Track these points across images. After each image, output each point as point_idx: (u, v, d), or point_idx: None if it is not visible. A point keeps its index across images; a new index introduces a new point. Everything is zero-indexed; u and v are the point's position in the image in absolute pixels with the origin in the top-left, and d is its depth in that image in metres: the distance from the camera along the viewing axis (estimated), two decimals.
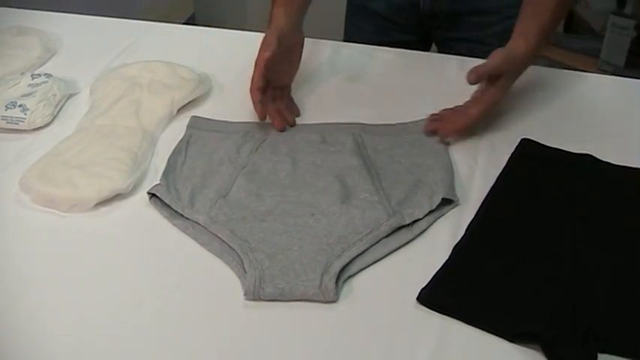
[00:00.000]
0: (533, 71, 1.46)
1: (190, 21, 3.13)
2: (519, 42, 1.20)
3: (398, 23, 1.60)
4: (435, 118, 1.23)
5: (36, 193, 1.10)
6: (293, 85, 1.37)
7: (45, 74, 1.37)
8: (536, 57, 1.24)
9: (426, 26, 1.59)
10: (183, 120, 1.27)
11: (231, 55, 1.43)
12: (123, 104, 1.29)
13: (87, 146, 1.18)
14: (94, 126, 1.24)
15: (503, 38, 1.24)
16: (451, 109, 1.24)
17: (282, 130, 1.23)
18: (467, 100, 1.24)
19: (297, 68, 1.34)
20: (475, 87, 1.21)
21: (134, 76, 1.37)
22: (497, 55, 1.19)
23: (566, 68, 1.54)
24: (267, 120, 1.24)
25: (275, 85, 1.29)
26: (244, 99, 1.33)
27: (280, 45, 1.23)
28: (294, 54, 1.32)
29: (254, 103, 1.22)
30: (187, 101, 1.33)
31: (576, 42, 2.71)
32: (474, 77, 1.17)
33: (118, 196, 1.11)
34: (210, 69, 1.42)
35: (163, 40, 1.57)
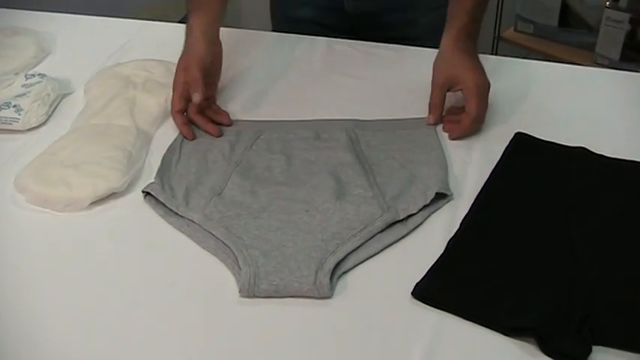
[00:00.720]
0: (528, 66, 1.47)
1: (185, 20, 3.13)
2: (445, 40, 1.25)
3: (328, 25, 1.58)
4: (450, 120, 1.24)
5: (31, 193, 1.11)
6: (286, 83, 1.38)
7: (39, 74, 1.37)
8: (470, 33, 1.27)
9: (355, 27, 1.58)
10: None
11: (224, 53, 1.43)
12: (117, 103, 1.29)
13: (81, 145, 1.18)
14: (88, 125, 1.24)
15: (433, 32, 1.29)
16: (430, 111, 1.24)
17: (219, 136, 1.22)
18: (458, 93, 1.25)
19: (219, 77, 1.34)
20: None
21: (128, 75, 1.37)
22: (434, 72, 1.24)
23: (561, 62, 1.54)
24: (262, 117, 1.25)
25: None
26: (238, 97, 1.34)
27: (200, 69, 1.25)
28: (215, 67, 1.32)
29: (178, 125, 1.24)
30: None
31: (571, 36, 2.71)
32: (432, 119, 1.23)
33: (112, 195, 1.11)
34: None
35: (157, 39, 1.57)
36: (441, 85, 1.23)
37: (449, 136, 1.22)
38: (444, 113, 1.25)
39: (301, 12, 1.59)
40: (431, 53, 1.36)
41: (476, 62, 1.23)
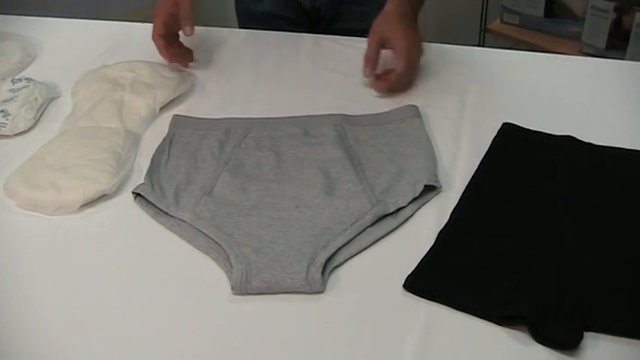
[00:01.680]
0: (514, 56, 1.47)
1: None
2: (389, 4, 1.35)
3: (288, 18, 1.64)
4: (379, 77, 1.34)
5: (21, 197, 1.11)
6: (273, 78, 1.39)
7: (26, 78, 1.37)
8: (412, 4, 1.37)
9: (313, 19, 1.65)
10: (167, 119, 1.27)
11: (212, 52, 1.43)
12: (105, 105, 1.29)
13: (70, 148, 1.18)
14: (76, 128, 1.24)
15: None
16: (365, 64, 1.33)
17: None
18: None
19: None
20: None
21: (115, 76, 1.37)
22: (371, 30, 1.32)
23: (548, 53, 1.55)
24: (249, 115, 1.25)
25: (169, 32, 1.40)
26: (226, 95, 1.34)
27: (190, 3, 1.38)
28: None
29: (159, 48, 1.38)
30: (170, 100, 1.33)
31: (557, 26, 2.72)
32: (368, 71, 1.32)
33: (103, 197, 1.11)
34: (192, 67, 1.42)
35: (144, 40, 1.56)
36: (376, 41, 1.32)
37: (376, 88, 1.33)
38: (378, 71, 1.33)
39: (262, 6, 1.64)
40: None
41: (410, 27, 1.33)
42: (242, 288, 0.93)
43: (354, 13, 1.60)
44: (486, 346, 0.87)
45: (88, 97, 1.33)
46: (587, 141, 1.14)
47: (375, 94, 1.32)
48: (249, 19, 1.69)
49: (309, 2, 1.61)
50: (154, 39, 1.38)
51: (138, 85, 1.34)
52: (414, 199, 1.05)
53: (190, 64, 1.40)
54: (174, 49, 1.41)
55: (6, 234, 1.08)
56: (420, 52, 1.33)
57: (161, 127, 1.25)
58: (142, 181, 1.12)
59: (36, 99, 1.32)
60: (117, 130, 1.23)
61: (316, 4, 1.61)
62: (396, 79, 1.30)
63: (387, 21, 1.33)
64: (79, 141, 1.20)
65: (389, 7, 1.35)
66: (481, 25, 2.90)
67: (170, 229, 1.04)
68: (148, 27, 1.41)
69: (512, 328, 0.88)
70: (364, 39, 1.48)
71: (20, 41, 1.55)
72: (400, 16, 1.32)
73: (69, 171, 1.13)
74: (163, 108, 1.32)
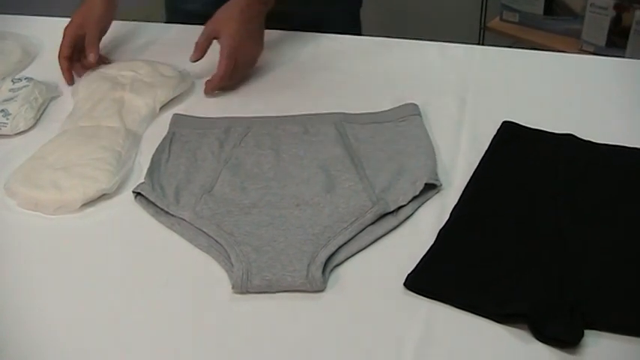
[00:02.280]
0: (514, 54, 1.47)
1: (171, 20, 3.12)
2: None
3: None
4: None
5: (21, 197, 1.11)
6: (273, 77, 1.39)
7: (26, 78, 1.37)
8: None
9: None
10: (167, 118, 1.27)
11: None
12: (105, 105, 1.29)
13: (70, 148, 1.18)
14: (76, 128, 1.25)
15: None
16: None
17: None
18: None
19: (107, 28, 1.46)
20: None
21: (115, 76, 1.37)
22: (211, 19, 1.35)
23: (548, 50, 1.55)
24: (248, 114, 1.25)
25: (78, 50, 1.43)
26: (226, 94, 1.34)
27: (98, 29, 1.43)
28: (107, 27, 1.46)
29: (63, 71, 1.41)
30: (170, 99, 1.33)
31: (557, 24, 2.72)
32: (193, 57, 1.35)
33: (103, 196, 1.11)
34: (192, 66, 1.42)
35: (143, 39, 1.57)
36: (209, 32, 1.35)
37: (205, 90, 1.35)
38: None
39: (193, 5, 1.62)
40: (416, 45, 1.37)
41: (246, 24, 1.33)
42: (243, 286, 0.93)
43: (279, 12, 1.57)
44: (487, 344, 0.87)
45: (88, 96, 1.33)
46: (587, 139, 1.14)
47: (376, 92, 1.32)
48: (180, 16, 1.66)
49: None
50: (59, 60, 1.41)
51: (138, 84, 1.34)
52: (415, 198, 1.05)
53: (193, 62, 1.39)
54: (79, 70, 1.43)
55: (6, 233, 1.08)
56: (252, 52, 1.36)
57: (161, 127, 1.25)
58: (143, 180, 1.12)
59: (36, 98, 1.32)
60: (117, 130, 1.23)
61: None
62: (219, 80, 1.33)
63: (225, 12, 1.34)
64: (80, 140, 1.20)
65: (236, 1, 1.35)
66: (480, 23, 2.90)
67: (170, 228, 1.04)
68: (148, 25, 1.42)
69: (513, 327, 0.88)
70: (363, 37, 1.49)
71: (20, 41, 1.55)
72: (241, 10, 1.33)
73: (69, 170, 1.13)
74: (163, 107, 1.32)
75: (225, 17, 1.33)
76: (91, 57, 1.40)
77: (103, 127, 1.23)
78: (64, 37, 1.41)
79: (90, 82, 1.37)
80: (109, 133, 1.22)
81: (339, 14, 1.59)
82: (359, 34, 1.64)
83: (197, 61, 1.35)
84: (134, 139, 1.23)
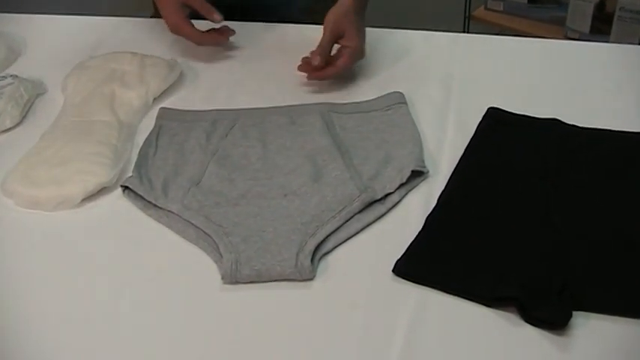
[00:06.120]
0: (498, 42, 1.48)
1: (158, 14, 3.11)
2: None
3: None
4: (307, 62, 1.33)
5: (20, 196, 1.10)
6: (258, 69, 1.41)
7: (11, 75, 1.36)
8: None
9: (235, 13, 1.57)
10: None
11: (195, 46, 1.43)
12: (96, 98, 1.28)
13: (66, 143, 1.18)
14: (70, 122, 1.24)
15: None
16: (318, 53, 1.31)
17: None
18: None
19: None
20: None
21: (104, 68, 1.36)
22: (329, 19, 1.31)
23: (533, 38, 1.56)
24: (235, 106, 1.25)
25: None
26: (213, 87, 1.34)
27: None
28: None
29: (193, 35, 1.40)
30: (162, 90, 1.33)
31: (541, 12, 2.73)
32: (318, 59, 1.30)
33: (102, 190, 1.11)
34: (181, 57, 1.42)
35: (129, 34, 1.57)
36: (335, 34, 1.31)
37: (310, 76, 1.33)
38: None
39: None
40: (402, 34, 1.37)
41: (363, 25, 1.34)
42: (232, 277, 0.94)
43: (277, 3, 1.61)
44: (477, 328, 0.87)
45: (78, 90, 1.32)
46: (571, 123, 1.15)
47: (362, 82, 1.33)
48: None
49: None
50: (179, 29, 1.40)
51: (128, 76, 1.33)
52: (402, 185, 1.06)
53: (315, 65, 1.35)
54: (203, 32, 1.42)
55: (5, 231, 1.07)
56: (363, 54, 1.35)
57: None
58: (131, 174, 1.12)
59: (22, 96, 1.31)
60: (111, 123, 1.22)
61: None
62: (333, 72, 1.31)
63: (344, 14, 1.31)
64: (74, 135, 1.20)
65: (347, 1, 1.33)
66: (465, 13, 2.91)
67: (159, 221, 1.05)
68: (133, 21, 1.41)
69: (502, 310, 0.88)
70: None
71: (4, 38, 1.54)
72: (357, 17, 1.32)
73: (67, 166, 1.12)
74: (157, 98, 1.32)
75: (346, 19, 1.31)
76: (217, 17, 1.40)
77: (96, 121, 1.23)
78: (167, 11, 1.40)
79: (79, 77, 1.35)
80: (102, 127, 1.21)
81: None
82: None
83: (320, 64, 1.31)
84: (129, 131, 1.22)
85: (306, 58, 1.33)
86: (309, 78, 1.33)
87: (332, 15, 1.32)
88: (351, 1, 1.32)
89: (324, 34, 1.31)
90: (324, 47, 1.31)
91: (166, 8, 1.40)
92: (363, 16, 1.35)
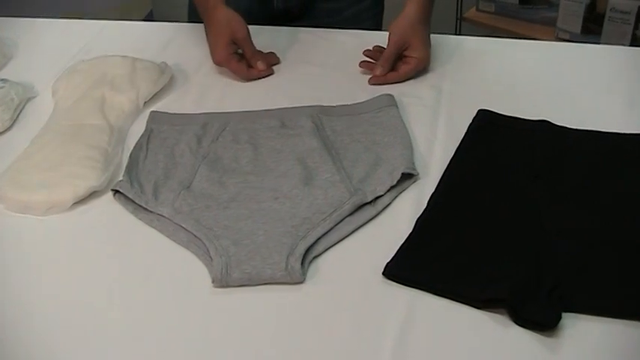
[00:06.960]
0: (489, 43, 1.48)
1: (149, 18, 3.11)
2: (411, 5, 1.34)
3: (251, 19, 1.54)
4: (369, 55, 1.38)
5: (10, 201, 1.10)
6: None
7: (1, 79, 1.36)
8: (429, 9, 1.37)
9: (278, 21, 1.58)
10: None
11: (189, 47, 1.44)
12: (87, 102, 1.28)
13: (56, 147, 1.18)
14: (60, 126, 1.24)
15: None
16: (380, 51, 1.36)
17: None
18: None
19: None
20: None
21: (94, 72, 1.36)
22: (394, 31, 1.33)
23: (524, 39, 1.56)
24: (226, 109, 1.25)
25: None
26: (204, 90, 1.34)
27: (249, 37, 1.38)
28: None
29: (239, 71, 1.37)
30: (153, 94, 1.33)
31: (532, 13, 2.73)
32: (381, 70, 1.33)
33: (93, 194, 1.11)
34: (172, 61, 1.42)
35: (120, 38, 1.57)
36: (400, 46, 1.33)
37: (374, 79, 1.34)
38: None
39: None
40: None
41: (428, 35, 1.36)
42: (222, 280, 0.94)
43: (323, 10, 1.59)
44: (467, 330, 0.87)
45: (69, 94, 1.32)
46: (561, 124, 1.15)
47: (351, 85, 1.33)
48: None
49: (282, 3, 1.57)
50: (226, 64, 1.38)
51: (118, 80, 1.33)
52: (392, 187, 1.06)
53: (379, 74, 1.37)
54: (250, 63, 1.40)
55: None
56: (428, 63, 1.36)
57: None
58: (121, 178, 1.12)
59: (12, 99, 1.31)
60: (101, 127, 1.22)
61: (288, 5, 1.57)
62: (394, 78, 1.33)
63: (410, 26, 1.33)
64: (65, 139, 1.19)
65: (412, 11, 1.34)
66: (457, 14, 2.91)
67: (150, 225, 1.05)
68: (124, 24, 1.41)
69: (492, 312, 0.88)
70: (340, 30, 1.49)
71: None
72: (422, 27, 1.34)
73: (58, 170, 1.12)
74: (148, 102, 1.32)
75: (412, 31, 1.33)
76: (260, 66, 1.38)
77: (86, 125, 1.23)
78: (215, 45, 1.38)
79: (69, 81, 1.35)
80: (93, 130, 1.21)
81: None
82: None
83: (382, 74, 1.34)
84: (119, 135, 1.22)
85: (366, 61, 1.37)
86: (370, 81, 1.34)
87: (397, 28, 1.33)
88: (416, 11, 1.33)
89: (388, 46, 1.33)
90: (388, 60, 1.33)
91: (217, 42, 1.38)
92: (429, 24, 1.36)
